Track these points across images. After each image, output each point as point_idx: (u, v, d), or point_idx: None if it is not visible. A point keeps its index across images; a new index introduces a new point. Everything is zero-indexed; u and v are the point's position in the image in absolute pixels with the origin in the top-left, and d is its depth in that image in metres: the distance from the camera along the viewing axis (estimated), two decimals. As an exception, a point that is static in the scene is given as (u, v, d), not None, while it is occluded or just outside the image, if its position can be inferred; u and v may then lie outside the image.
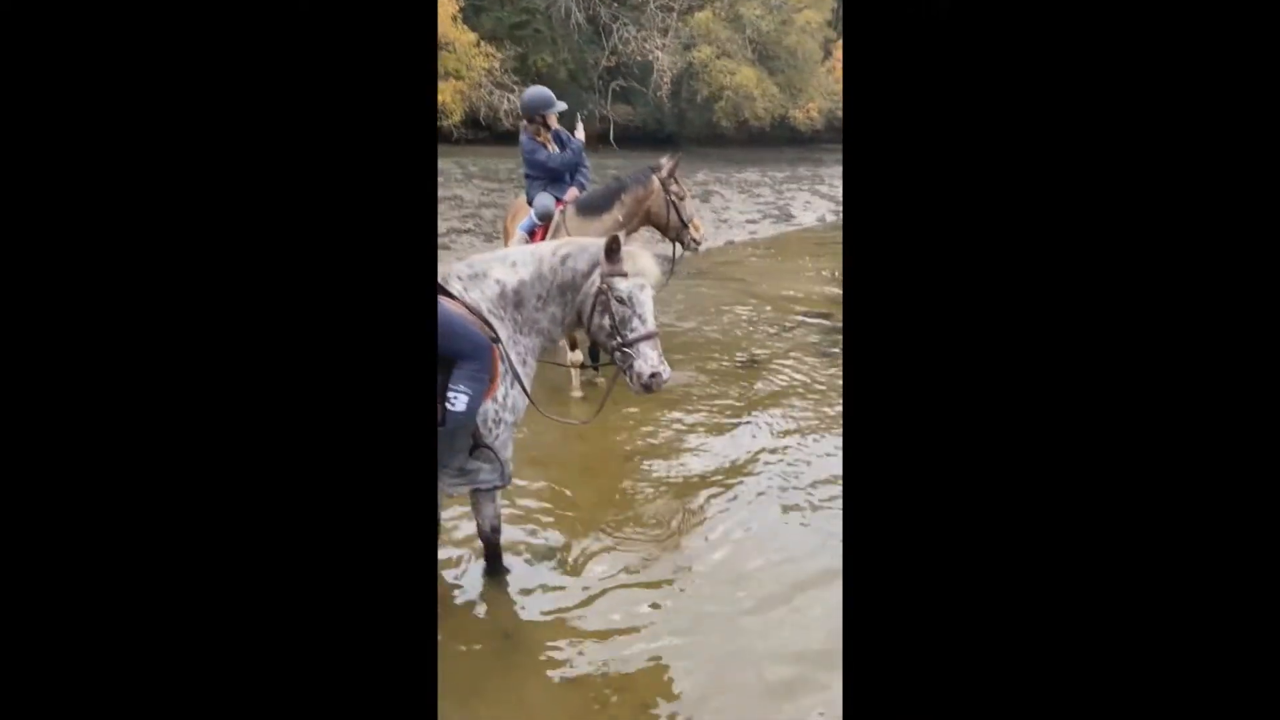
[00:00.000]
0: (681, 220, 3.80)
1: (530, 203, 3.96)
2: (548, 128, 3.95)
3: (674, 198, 3.77)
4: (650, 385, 1.96)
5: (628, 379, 2.01)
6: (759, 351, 4.66)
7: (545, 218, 3.86)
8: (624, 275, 1.99)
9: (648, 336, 1.98)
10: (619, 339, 1.99)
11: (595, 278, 2.00)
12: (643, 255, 2.03)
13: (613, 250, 1.99)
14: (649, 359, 1.96)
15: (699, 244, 3.92)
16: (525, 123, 3.95)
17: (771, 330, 5.17)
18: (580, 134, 4.10)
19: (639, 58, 17.78)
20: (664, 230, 3.87)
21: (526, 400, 2.07)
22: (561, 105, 3.96)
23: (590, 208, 3.75)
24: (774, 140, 21.10)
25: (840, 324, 5.21)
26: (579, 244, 2.08)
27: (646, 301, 2.01)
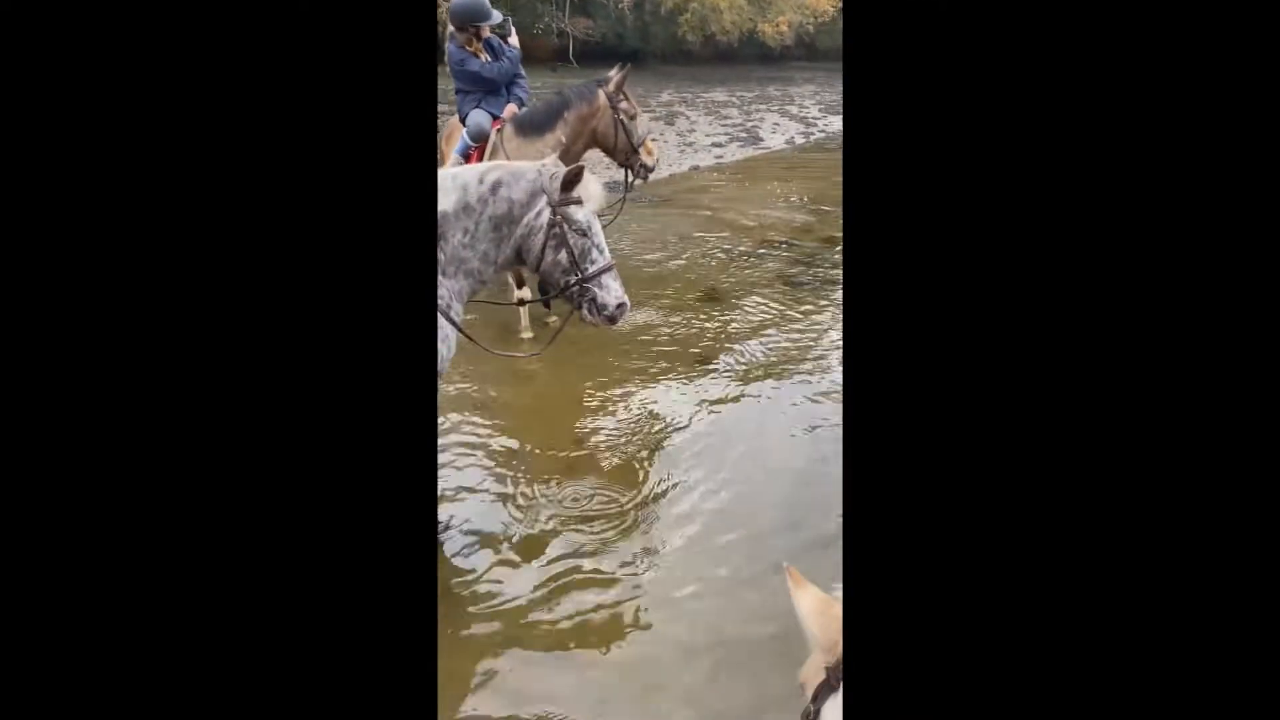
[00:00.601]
0: (631, 143, 3.40)
1: (463, 121, 3.52)
2: (479, 38, 3.46)
3: (623, 116, 3.36)
4: (616, 316, 1.86)
5: (587, 314, 1.85)
6: (727, 283, 4.39)
7: (480, 138, 3.43)
8: (578, 203, 1.77)
9: (609, 267, 1.82)
10: (578, 274, 1.78)
11: (541, 208, 1.76)
12: (589, 178, 1.80)
13: (573, 181, 1.75)
14: (612, 289, 1.82)
15: (650, 170, 3.53)
16: (453, 30, 3.44)
17: (739, 261, 4.89)
18: (514, 41, 3.62)
19: (598, -35, 16.65)
20: (612, 153, 3.47)
21: (450, 356, 1.81)
22: (497, 16, 3.48)
23: (530, 126, 3.34)
24: (742, 58, 20.20)
25: (812, 254, 4.98)
26: (511, 169, 1.78)
27: (600, 230, 1.84)
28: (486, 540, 2.13)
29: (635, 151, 3.42)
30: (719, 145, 10.03)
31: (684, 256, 4.98)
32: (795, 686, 0.92)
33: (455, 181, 1.74)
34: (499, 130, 3.42)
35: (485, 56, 3.48)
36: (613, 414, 2.87)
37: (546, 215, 1.75)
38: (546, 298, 3.28)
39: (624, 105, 3.37)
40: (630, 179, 3.58)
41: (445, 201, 1.71)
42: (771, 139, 10.92)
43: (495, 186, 1.74)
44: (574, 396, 3.01)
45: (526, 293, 3.49)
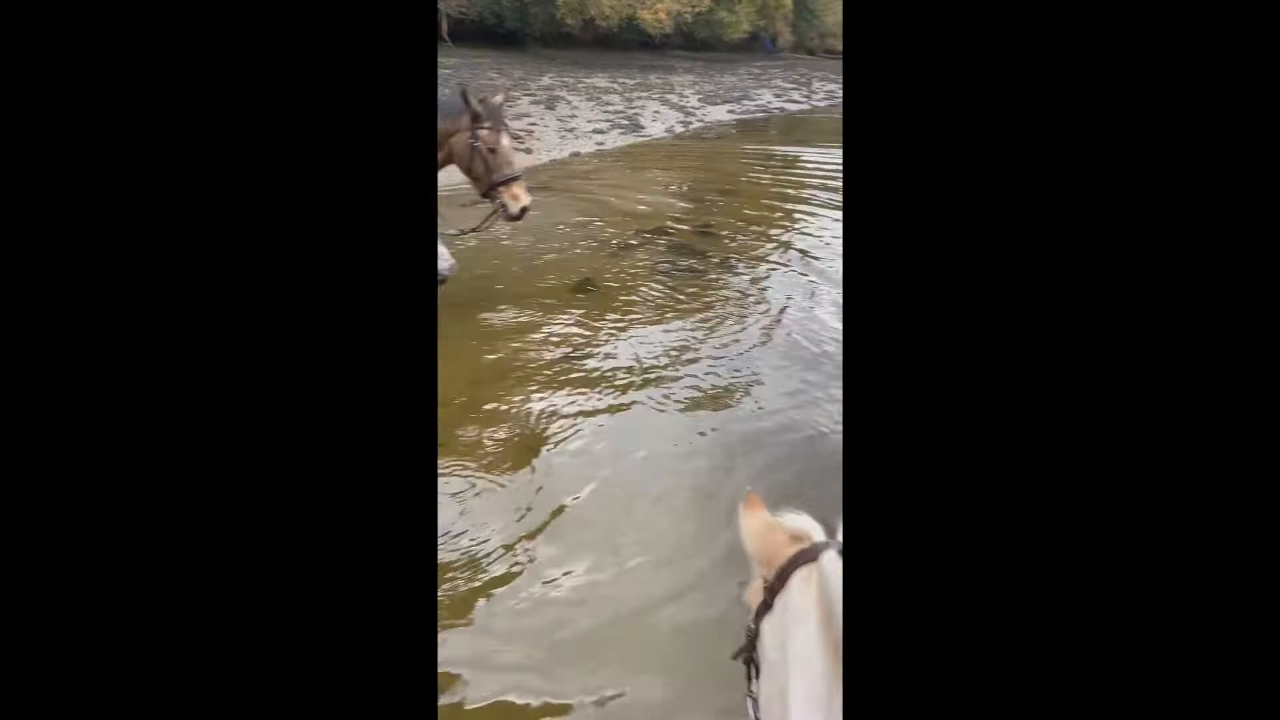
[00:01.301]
0: (490, 176, 2.98)
1: None
2: None
3: (483, 145, 2.93)
4: (445, 278, 2.00)
5: None
6: (602, 273, 4.34)
7: None
8: None
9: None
10: None
11: None
12: None
13: None
14: (443, 258, 2.04)
15: (512, 216, 3.07)
16: None
17: (616, 250, 4.85)
18: None
19: (473, -60, 16.00)
20: (471, 179, 3.07)
21: None
22: None
23: None
24: (623, 44, 20.17)
25: (685, 240, 5.02)
26: None
27: None
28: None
29: (493, 187, 3.01)
30: (600, 132, 9.96)
31: (559, 245, 4.88)
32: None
33: None
34: None
35: None
36: (478, 420, 2.71)
37: None
38: None
39: (484, 134, 2.93)
40: (494, 213, 3.17)
41: None
42: (652, 127, 10.97)
43: None
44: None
45: None
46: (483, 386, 2.91)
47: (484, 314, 3.50)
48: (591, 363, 3.16)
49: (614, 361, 3.18)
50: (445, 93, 3.03)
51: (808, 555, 0.85)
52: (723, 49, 24.78)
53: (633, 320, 3.66)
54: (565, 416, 2.72)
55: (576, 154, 8.62)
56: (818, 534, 0.89)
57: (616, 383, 2.99)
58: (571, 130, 9.81)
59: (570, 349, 3.27)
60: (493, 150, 2.95)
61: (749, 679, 0.92)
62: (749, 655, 0.92)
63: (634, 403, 2.85)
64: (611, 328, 3.54)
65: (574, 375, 3.04)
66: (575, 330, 3.47)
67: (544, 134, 9.29)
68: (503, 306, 3.62)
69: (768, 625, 0.88)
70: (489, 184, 3.02)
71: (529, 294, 3.85)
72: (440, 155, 2.98)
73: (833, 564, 0.80)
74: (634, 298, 3.95)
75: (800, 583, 0.83)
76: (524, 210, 3.05)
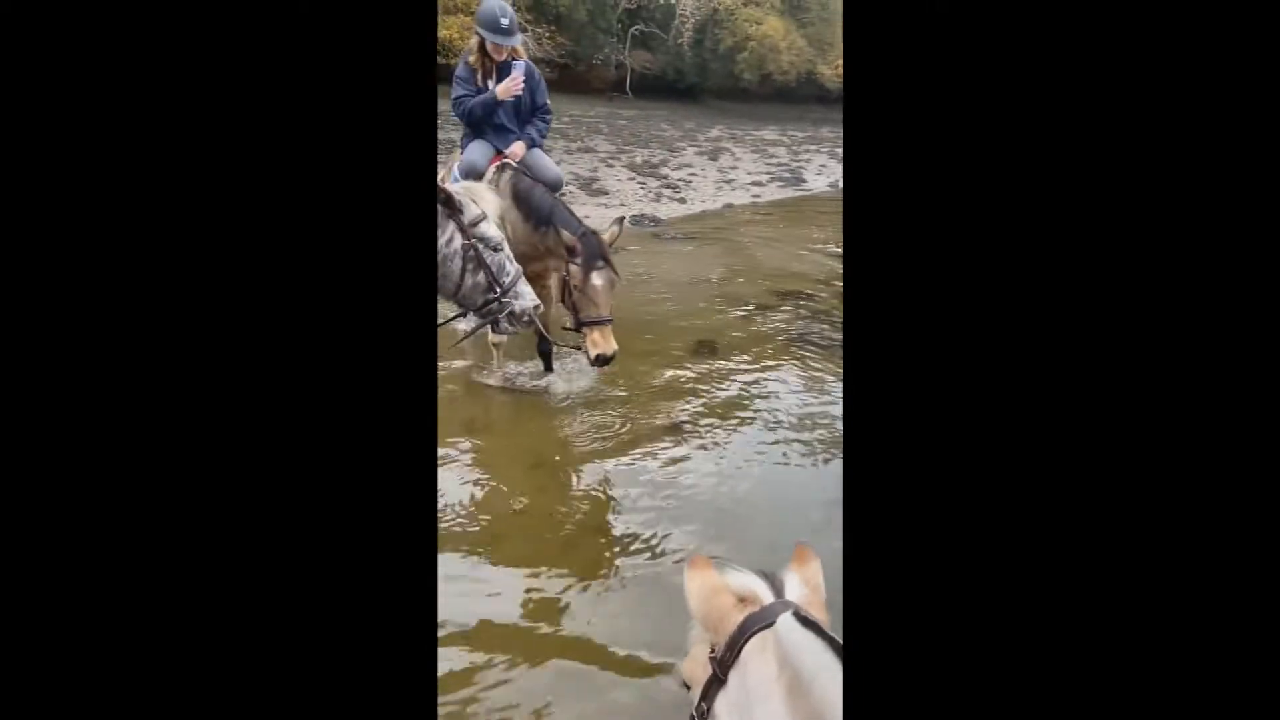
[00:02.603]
0: (578, 315, 2.69)
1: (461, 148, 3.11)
2: (491, 57, 2.93)
3: (573, 281, 2.65)
4: (534, 318, 1.87)
5: (507, 326, 1.83)
6: (730, 337, 4.04)
7: (473, 175, 2.85)
8: (484, 216, 1.71)
9: (520, 274, 1.80)
10: (497, 289, 1.76)
11: (451, 234, 1.68)
12: (478, 188, 1.74)
13: (449, 200, 1.64)
14: (525, 294, 1.82)
15: (595, 361, 2.72)
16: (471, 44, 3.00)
17: (748, 313, 4.54)
18: (520, 58, 3.03)
19: (662, 0, 16.78)
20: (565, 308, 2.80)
21: None
22: (511, 39, 2.91)
23: (529, 206, 2.76)
24: (800, 97, 20.02)
25: (833, 306, 4.59)
26: None
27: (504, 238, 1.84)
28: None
29: (580, 324, 2.71)
30: (759, 184, 9.78)
31: (686, 298, 4.66)
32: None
33: None
34: (499, 168, 2.92)
35: (490, 83, 2.96)
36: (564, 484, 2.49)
37: (459, 239, 1.67)
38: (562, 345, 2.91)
39: (574, 269, 2.63)
40: (474, 329, 2.56)
41: None
42: (815, 180, 10.61)
43: None
44: (523, 460, 2.63)
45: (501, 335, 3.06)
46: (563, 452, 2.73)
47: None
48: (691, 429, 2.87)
49: (718, 434, 2.86)
50: (561, 211, 2.81)
51: (760, 619, 0.79)
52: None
53: (750, 384, 3.33)
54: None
55: (730, 205, 8.47)
56: (765, 594, 0.83)
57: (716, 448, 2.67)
58: (730, 181, 9.73)
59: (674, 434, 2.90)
60: (578, 289, 2.66)
61: None
62: None
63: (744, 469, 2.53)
64: (721, 409, 3.23)
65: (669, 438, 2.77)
66: (670, 392, 3.21)
67: (701, 184, 9.28)
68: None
69: (722, 704, 0.79)
70: (575, 321, 2.76)
71: (633, 349, 3.60)
72: (538, 265, 2.76)
73: (791, 631, 0.75)
74: (755, 367, 3.61)
75: (755, 652, 0.77)
76: (600, 358, 2.69)
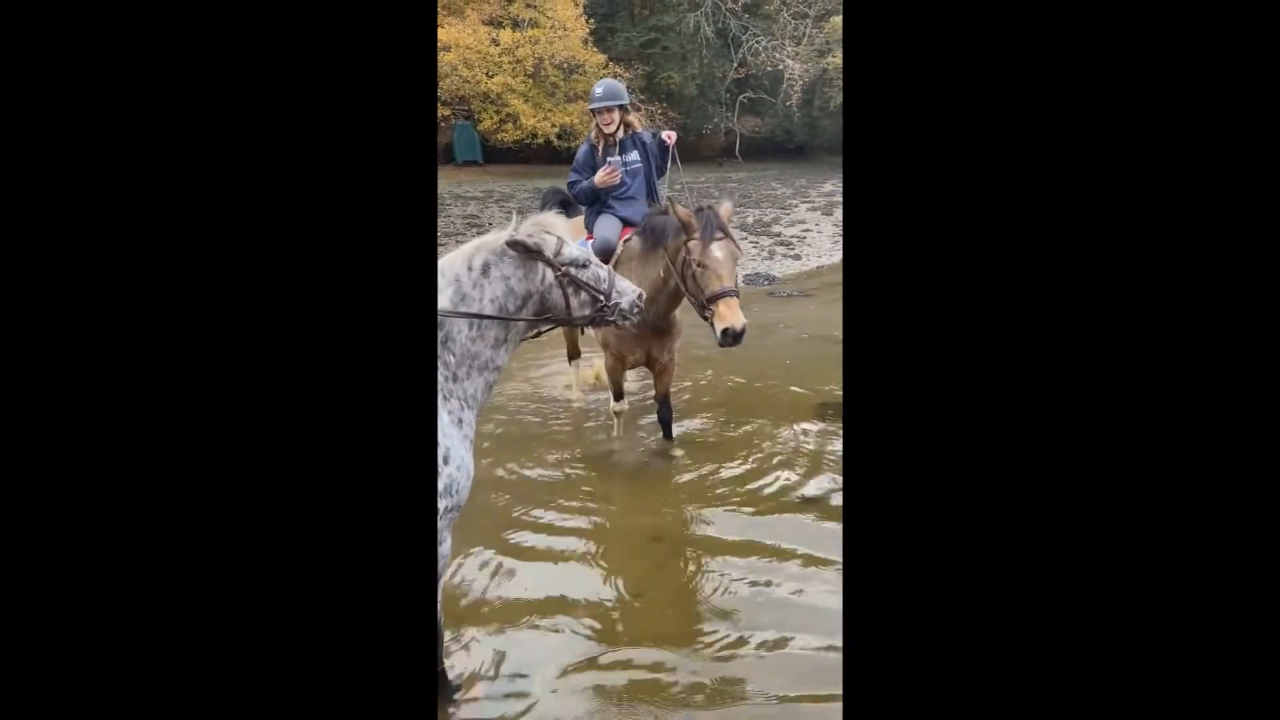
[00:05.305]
0: (701, 293, 2.61)
1: (589, 228, 3.15)
2: (605, 131, 3.05)
3: (693, 258, 2.60)
4: (641, 308, 1.91)
5: (621, 323, 1.92)
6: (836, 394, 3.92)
7: (605, 253, 2.89)
8: (561, 241, 1.80)
9: (614, 273, 1.89)
10: (600, 299, 1.84)
11: (540, 271, 1.78)
12: (548, 218, 1.82)
13: (526, 248, 1.73)
14: (626, 291, 1.88)
15: (722, 339, 2.60)
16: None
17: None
18: (636, 129, 3.10)
19: (769, 68, 17.35)
20: (690, 299, 2.73)
21: (470, 472, 1.66)
22: (605, 102, 3.03)
23: (651, 236, 2.81)
24: (916, 146, 19.63)
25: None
26: (485, 245, 1.76)
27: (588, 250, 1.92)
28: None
29: (705, 307, 2.63)
30: (876, 236, 9.66)
31: (791, 355, 4.59)
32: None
33: (445, 275, 1.68)
34: (627, 240, 3.00)
35: (615, 158, 3.08)
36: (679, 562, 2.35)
37: (549, 274, 1.76)
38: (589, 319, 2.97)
39: (692, 244, 2.58)
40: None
41: (442, 298, 1.65)
42: (936, 229, 10.31)
43: (485, 269, 1.69)
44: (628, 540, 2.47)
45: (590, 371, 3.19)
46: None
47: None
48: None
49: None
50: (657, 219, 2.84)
51: None
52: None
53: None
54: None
55: (846, 259, 8.44)
56: None
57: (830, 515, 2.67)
58: (845, 235, 9.69)
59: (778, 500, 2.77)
60: (699, 264, 2.59)
61: None
62: None
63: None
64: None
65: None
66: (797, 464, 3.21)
67: (816, 240, 9.33)
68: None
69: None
70: (699, 302, 2.66)
71: (719, 402, 3.55)
72: (662, 271, 2.79)
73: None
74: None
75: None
76: (729, 333, 2.57)
